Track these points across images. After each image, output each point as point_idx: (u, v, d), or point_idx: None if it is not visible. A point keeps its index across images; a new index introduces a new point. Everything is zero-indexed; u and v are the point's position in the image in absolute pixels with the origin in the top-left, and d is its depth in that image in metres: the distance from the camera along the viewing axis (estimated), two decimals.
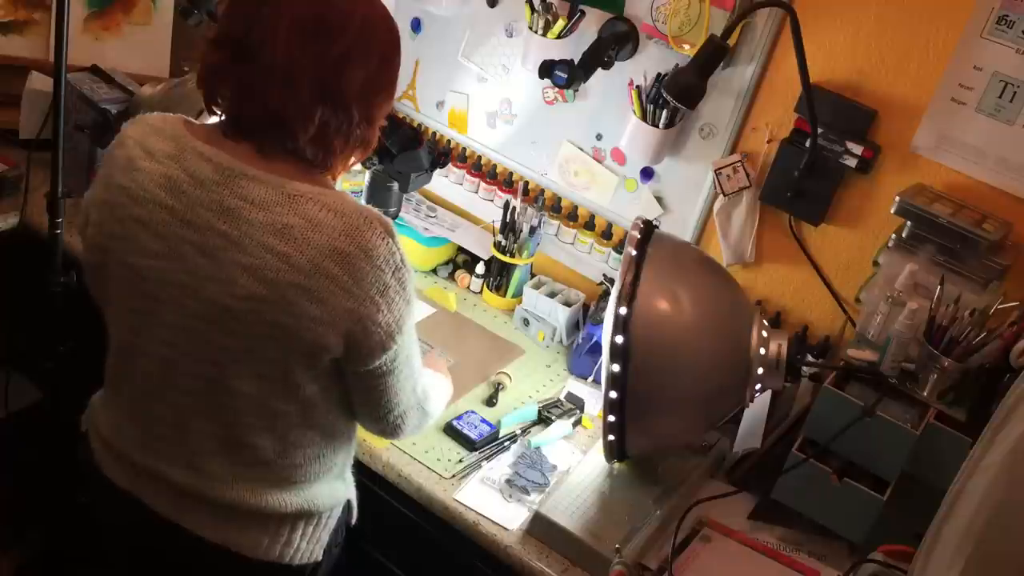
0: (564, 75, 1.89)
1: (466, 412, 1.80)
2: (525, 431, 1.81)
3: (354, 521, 1.54)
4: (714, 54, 1.69)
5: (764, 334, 1.58)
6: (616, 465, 1.72)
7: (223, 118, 1.26)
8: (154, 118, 1.31)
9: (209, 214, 1.21)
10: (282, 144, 1.23)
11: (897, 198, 1.64)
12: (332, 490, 1.43)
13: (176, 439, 1.33)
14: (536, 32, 1.99)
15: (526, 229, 2.14)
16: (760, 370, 1.57)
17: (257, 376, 1.26)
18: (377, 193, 1.99)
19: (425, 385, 1.44)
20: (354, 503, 1.53)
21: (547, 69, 1.91)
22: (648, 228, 1.64)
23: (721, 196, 1.94)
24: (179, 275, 1.23)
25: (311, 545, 1.41)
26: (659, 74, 1.93)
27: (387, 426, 1.39)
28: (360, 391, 1.33)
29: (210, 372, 1.26)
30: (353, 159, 1.34)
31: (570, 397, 1.92)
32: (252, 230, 1.19)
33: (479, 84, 2.23)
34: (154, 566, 1.46)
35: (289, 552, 1.39)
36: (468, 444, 1.74)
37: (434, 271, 2.29)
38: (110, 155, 1.29)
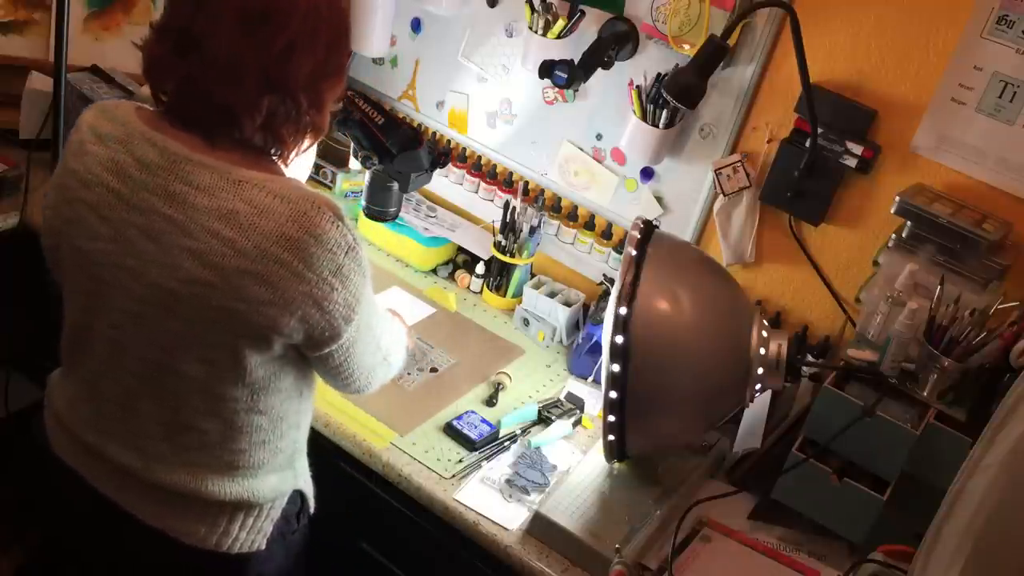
0: (564, 75, 1.89)
1: (466, 412, 1.80)
2: (525, 431, 1.81)
3: (312, 510, 1.53)
4: (714, 54, 1.69)
5: (764, 334, 1.58)
6: (616, 465, 1.72)
7: (168, 109, 1.27)
8: (108, 103, 1.33)
9: (154, 198, 1.22)
10: (229, 135, 1.24)
11: (897, 198, 1.64)
12: (278, 480, 1.43)
13: (124, 419, 1.34)
14: (536, 32, 1.99)
15: (526, 229, 2.14)
16: (760, 370, 1.57)
17: (203, 360, 1.26)
18: (377, 193, 1.99)
19: (386, 339, 1.45)
20: (308, 494, 1.52)
21: (547, 69, 1.91)
22: (648, 228, 1.64)
23: (721, 196, 1.94)
24: (125, 258, 1.24)
25: (252, 535, 1.41)
26: (659, 74, 1.93)
27: (358, 388, 1.42)
28: (329, 367, 1.34)
29: (157, 356, 1.28)
30: (306, 144, 1.34)
31: (570, 397, 1.92)
32: (197, 215, 1.21)
33: (479, 84, 2.23)
34: (95, 546, 1.47)
35: (227, 541, 1.39)
36: (468, 444, 1.74)
37: (434, 271, 2.29)
38: (68, 140, 1.32)
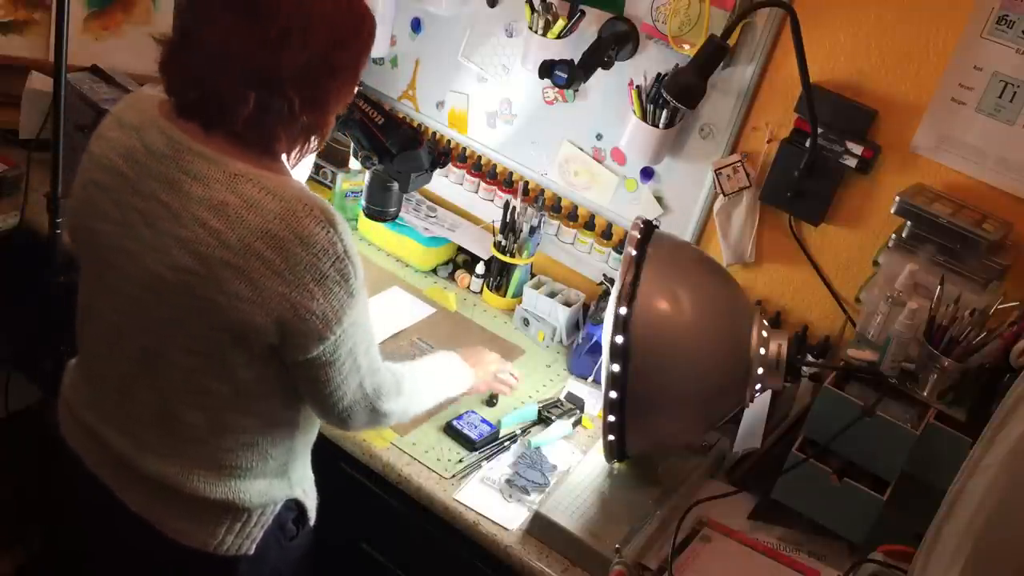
0: (564, 75, 1.89)
1: (466, 412, 1.80)
2: (525, 431, 1.81)
3: (312, 521, 1.52)
4: (714, 54, 1.69)
5: (764, 334, 1.58)
6: (616, 465, 1.72)
7: (173, 99, 1.28)
8: (138, 94, 1.37)
9: (155, 184, 1.25)
10: (224, 126, 1.24)
11: (897, 198, 1.64)
12: (268, 487, 1.41)
13: (120, 403, 1.36)
14: (536, 32, 1.99)
15: (526, 229, 2.14)
16: (760, 370, 1.57)
17: (189, 351, 1.27)
18: (377, 193, 1.99)
19: (380, 384, 1.40)
20: (308, 505, 1.50)
21: (547, 69, 1.91)
22: (648, 228, 1.65)
23: (721, 196, 1.94)
24: (127, 242, 1.27)
25: (239, 539, 1.40)
26: (659, 74, 1.93)
27: (335, 419, 1.39)
28: (304, 381, 1.33)
29: (149, 342, 1.30)
30: (311, 145, 1.32)
31: (570, 397, 1.92)
32: (189, 204, 1.22)
33: (479, 84, 2.23)
34: (93, 533, 1.48)
35: (213, 542, 1.39)
36: (468, 444, 1.74)
37: (434, 271, 2.29)
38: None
